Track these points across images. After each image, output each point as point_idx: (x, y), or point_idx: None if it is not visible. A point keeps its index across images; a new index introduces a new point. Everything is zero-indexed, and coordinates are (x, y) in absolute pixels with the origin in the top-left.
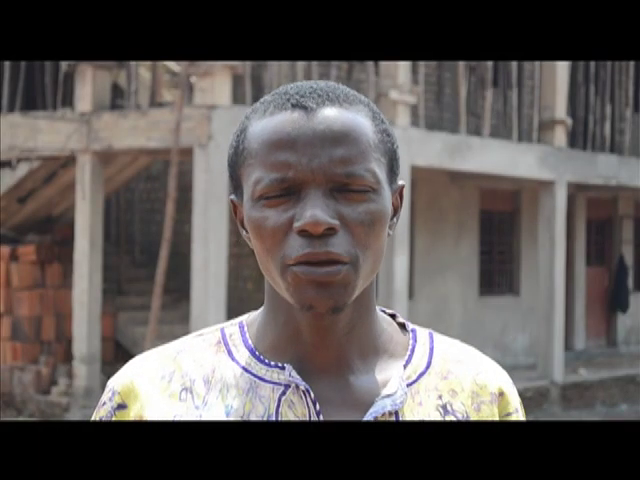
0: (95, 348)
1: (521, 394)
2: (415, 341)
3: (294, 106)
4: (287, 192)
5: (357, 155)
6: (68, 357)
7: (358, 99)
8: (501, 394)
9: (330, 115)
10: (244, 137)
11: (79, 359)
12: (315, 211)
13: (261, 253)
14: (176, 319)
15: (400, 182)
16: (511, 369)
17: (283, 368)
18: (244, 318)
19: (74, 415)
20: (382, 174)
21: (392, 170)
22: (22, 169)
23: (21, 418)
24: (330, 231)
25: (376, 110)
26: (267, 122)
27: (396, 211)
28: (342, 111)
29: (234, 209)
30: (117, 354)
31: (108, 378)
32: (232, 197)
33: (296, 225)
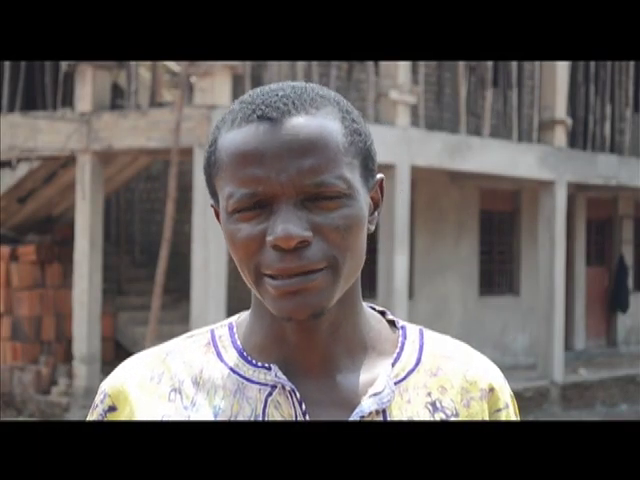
0: (95, 348)
1: (521, 394)
2: (405, 338)
3: (260, 118)
4: (259, 205)
5: (326, 163)
6: (68, 357)
7: (327, 100)
8: (491, 390)
9: (296, 125)
10: (215, 148)
11: (79, 359)
12: (286, 225)
13: (237, 263)
14: (176, 319)
15: (378, 176)
16: (511, 369)
17: (269, 369)
18: (234, 319)
19: (74, 415)
20: (354, 177)
21: (367, 168)
22: (22, 169)
23: (21, 418)
24: (303, 244)
25: (347, 109)
26: (234, 135)
27: (377, 205)
28: (308, 119)
29: (216, 214)
30: (117, 354)
31: None
32: (212, 203)
33: (268, 239)
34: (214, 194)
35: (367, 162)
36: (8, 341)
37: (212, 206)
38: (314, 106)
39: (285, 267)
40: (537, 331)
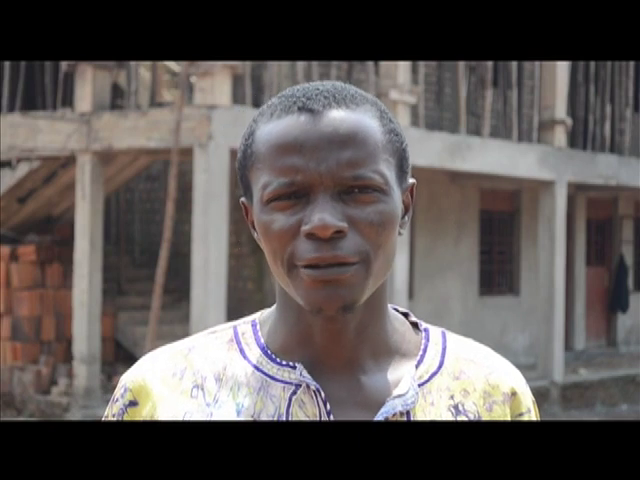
0: (95, 348)
1: None
2: (428, 340)
3: (300, 109)
4: (295, 195)
5: (365, 157)
6: (68, 357)
7: (365, 99)
8: (513, 394)
9: (337, 117)
10: (252, 141)
11: (79, 359)
12: (323, 215)
13: (269, 255)
14: (176, 319)
15: (410, 180)
16: None
17: (294, 367)
18: (257, 316)
19: (74, 415)
20: (391, 174)
21: (402, 169)
22: (22, 169)
23: (21, 418)
24: (338, 234)
25: (384, 109)
26: (274, 126)
27: (407, 209)
28: (349, 113)
29: (245, 211)
30: (117, 354)
31: (108, 378)
32: (242, 199)
33: (304, 229)
34: (247, 189)
35: (402, 163)
36: (8, 341)
37: (242, 203)
38: (354, 102)
39: (320, 256)
40: (537, 331)
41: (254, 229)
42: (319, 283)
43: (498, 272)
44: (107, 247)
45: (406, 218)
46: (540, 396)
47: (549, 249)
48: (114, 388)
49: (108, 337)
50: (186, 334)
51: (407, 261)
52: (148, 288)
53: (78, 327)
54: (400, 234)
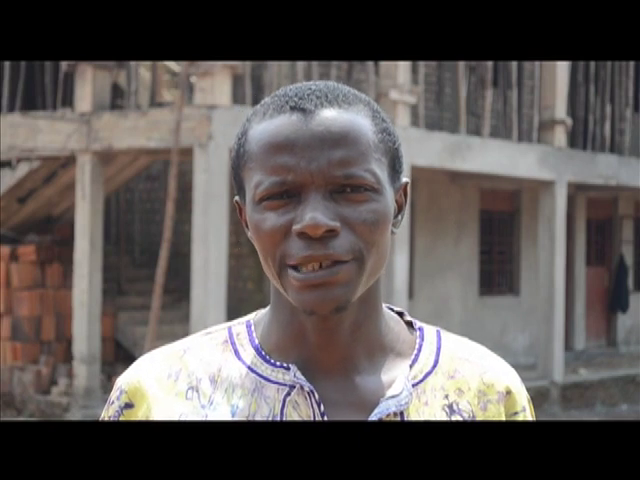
0: (95, 348)
1: None
2: (422, 340)
3: (292, 109)
4: (287, 195)
5: (356, 156)
6: (68, 357)
7: (358, 99)
8: (508, 393)
9: (328, 117)
10: (245, 140)
11: (79, 359)
12: (315, 214)
13: (261, 254)
14: (176, 319)
15: (404, 180)
16: None
17: (288, 368)
18: (252, 317)
19: (74, 415)
20: (383, 174)
21: (394, 169)
22: (22, 169)
23: (21, 418)
24: (330, 233)
25: (377, 109)
26: (266, 125)
27: (400, 209)
28: (341, 112)
29: (239, 210)
30: (117, 354)
31: (108, 378)
32: (236, 199)
33: (296, 227)
34: (240, 188)
35: (394, 163)
36: (8, 341)
37: (236, 202)
38: (346, 102)
39: (311, 255)
40: (537, 331)
41: (248, 228)
42: (310, 286)
43: (498, 272)
44: (107, 247)
45: (399, 217)
46: (540, 396)
47: (549, 249)
48: None
49: (108, 337)
50: (186, 334)
51: (407, 261)
52: (148, 288)
53: (78, 327)
54: (393, 233)
